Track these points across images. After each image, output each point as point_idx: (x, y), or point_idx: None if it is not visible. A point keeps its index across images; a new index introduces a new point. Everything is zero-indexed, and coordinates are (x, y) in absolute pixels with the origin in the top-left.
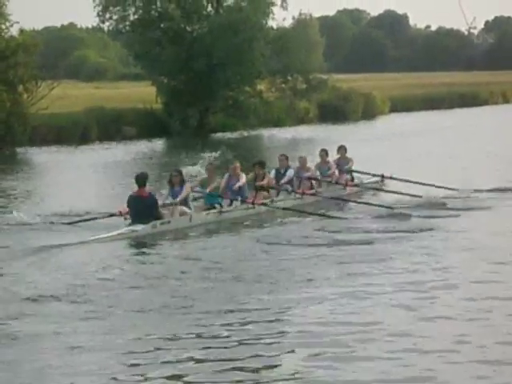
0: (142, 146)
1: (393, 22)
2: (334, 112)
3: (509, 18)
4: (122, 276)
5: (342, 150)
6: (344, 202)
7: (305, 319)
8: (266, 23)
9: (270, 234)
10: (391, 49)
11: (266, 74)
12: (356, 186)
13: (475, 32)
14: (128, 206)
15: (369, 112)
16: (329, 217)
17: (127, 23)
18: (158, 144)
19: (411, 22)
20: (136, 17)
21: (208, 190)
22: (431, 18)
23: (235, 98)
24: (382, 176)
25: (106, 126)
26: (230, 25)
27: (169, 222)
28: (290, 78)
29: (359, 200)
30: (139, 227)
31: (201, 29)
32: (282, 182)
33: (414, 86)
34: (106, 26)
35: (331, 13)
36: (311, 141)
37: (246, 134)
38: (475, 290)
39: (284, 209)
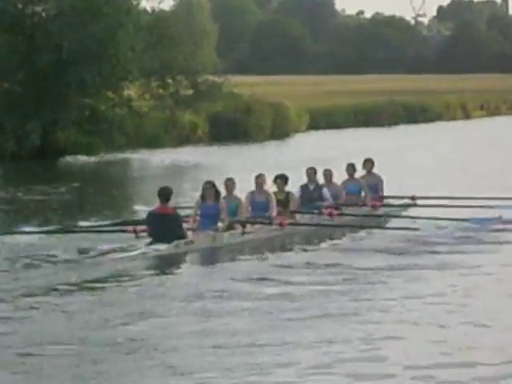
0: None
1: (312, 6)
2: (232, 128)
3: (470, 2)
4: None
5: (368, 164)
6: (374, 225)
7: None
8: (137, 4)
9: (299, 256)
10: (310, 42)
11: (137, 75)
12: (390, 206)
13: (425, 21)
14: (148, 224)
15: (280, 129)
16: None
17: None
18: None
19: (338, 7)
20: None
21: (241, 219)
22: (364, 2)
23: (93, 108)
24: (413, 197)
25: None
26: (85, 6)
27: (192, 241)
28: (170, 80)
29: (398, 222)
30: (163, 246)
31: (46, 11)
32: (325, 203)
33: (341, 93)
34: None
35: None
36: (199, 168)
37: (108, 157)
38: None
39: (318, 225)
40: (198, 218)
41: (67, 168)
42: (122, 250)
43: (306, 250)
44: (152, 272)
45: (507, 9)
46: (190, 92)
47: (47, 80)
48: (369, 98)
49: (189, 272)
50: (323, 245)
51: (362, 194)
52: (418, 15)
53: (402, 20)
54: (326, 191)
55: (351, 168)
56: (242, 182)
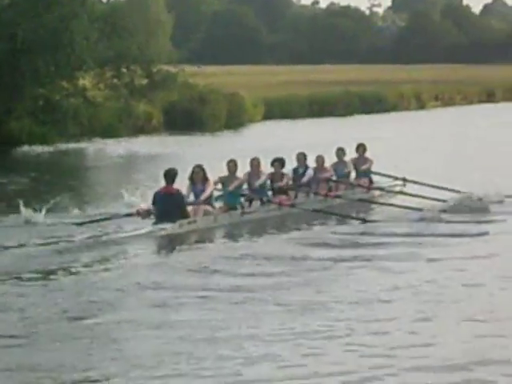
0: None
1: None
2: (187, 118)
3: None
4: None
5: (361, 148)
6: (368, 205)
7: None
8: None
9: (300, 237)
10: (266, 32)
11: (92, 65)
12: (379, 188)
13: (380, 11)
14: (154, 203)
15: (235, 119)
16: (362, 220)
17: None
18: None
19: None
20: None
21: (230, 189)
22: None
23: (48, 98)
24: (404, 179)
25: None
26: None
27: (195, 221)
28: (124, 70)
29: (390, 200)
30: (167, 225)
31: None
32: (303, 181)
33: (297, 83)
34: None
35: None
36: (154, 158)
37: (63, 147)
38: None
39: (313, 210)
40: (190, 198)
41: (22, 158)
42: (130, 230)
43: (299, 232)
44: (157, 250)
45: None
46: (145, 82)
47: (1, 69)
48: (324, 89)
49: (189, 253)
50: (316, 228)
51: (352, 175)
52: (373, 5)
53: (356, 10)
54: (309, 172)
55: (341, 152)
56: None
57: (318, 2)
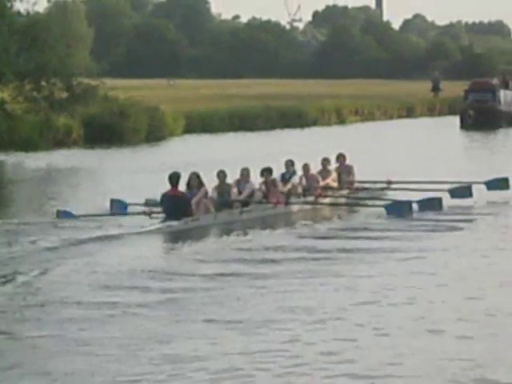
0: None
1: (188, 10)
2: (107, 132)
3: (345, 7)
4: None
5: (341, 158)
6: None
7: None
8: (11, 7)
9: (296, 232)
10: (186, 46)
11: (12, 78)
12: (365, 189)
13: (300, 26)
14: (161, 204)
15: (155, 133)
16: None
17: None
18: None
19: (213, 11)
20: None
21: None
22: (241, 6)
23: None
24: (389, 182)
25: None
26: None
27: (198, 219)
28: (44, 83)
29: (374, 202)
30: (174, 223)
31: None
32: (289, 186)
33: (217, 97)
34: None
35: None
36: (73, 172)
37: None
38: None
39: (313, 203)
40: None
41: None
42: (140, 226)
43: (294, 228)
44: (165, 244)
45: (381, 15)
46: (65, 95)
47: None
48: (245, 103)
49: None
50: (306, 226)
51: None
52: (294, 20)
53: (277, 25)
54: (295, 178)
55: (325, 161)
56: (119, 184)
57: (239, 17)
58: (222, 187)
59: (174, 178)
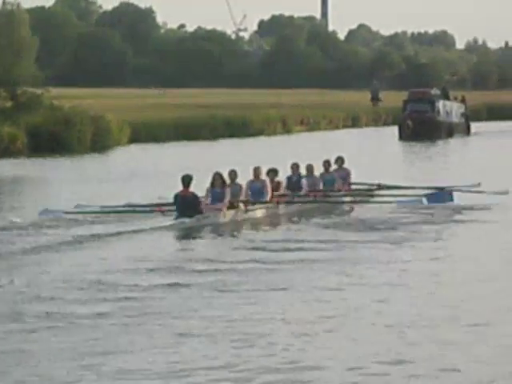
0: None
1: (134, 19)
2: (52, 141)
3: (290, 17)
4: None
5: (339, 161)
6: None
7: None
8: None
9: (301, 228)
10: (132, 56)
11: None
12: (359, 190)
13: (246, 35)
14: (174, 203)
15: (101, 142)
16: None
17: None
18: None
19: (159, 20)
20: None
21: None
22: (186, 16)
23: None
24: (379, 185)
25: None
26: None
27: (208, 216)
28: None
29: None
30: (186, 220)
31: None
32: (301, 193)
33: (163, 106)
34: None
35: (48, 3)
36: (17, 181)
37: None
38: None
39: (309, 202)
40: (209, 200)
41: None
42: (156, 222)
43: (293, 226)
44: (178, 239)
45: (327, 25)
46: (9, 104)
47: None
48: (190, 112)
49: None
50: (305, 222)
51: (336, 184)
52: (239, 29)
53: (223, 34)
54: (304, 181)
55: (327, 164)
56: (61, 193)
57: (184, 26)
58: (233, 187)
59: (186, 180)
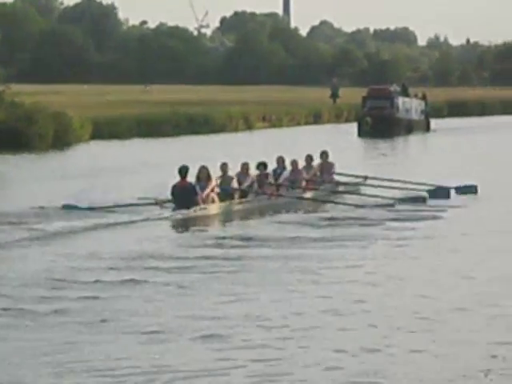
0: None
1: (96, 15)
2: (13, 137)
3: (252, 14)
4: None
5: (324, 155)
6: (339, 196)
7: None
8: None
9: (289, 221)
10: (94, 52)
11: None
12: (344, 184)
13: (208, 32)
14: (172, 194)
15: (62, 139)
16: (343, 204)
17: None
18: None
19: (121, 16)
20: None
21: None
22: (148, 12)
23: None
24: (366, 177)
25: None
26: None
27: (205, 208)
28: None
29: (357, 193)
30: (184, 211)
31: None
32: (280, 181)
33: (125, 103)
34: None
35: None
36: None
37: None
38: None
39: (298, 198)
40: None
41: None
42: (154, 214)
43: (284, 216)
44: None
45: (289, 21)
46: None
47: None
48: (153, 109)
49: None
50: (291, 216)
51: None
52: (201, 26)
53: (185, 31)
54: (284, 174)
55: (309, 158)
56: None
57: (146, 22)
58: (225, 178)
59: (183, 170)
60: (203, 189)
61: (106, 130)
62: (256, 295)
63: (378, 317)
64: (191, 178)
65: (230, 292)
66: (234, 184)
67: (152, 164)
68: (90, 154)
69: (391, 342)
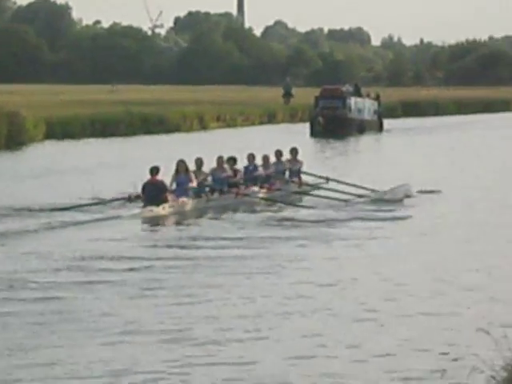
0: None
1: (49, 15)
2: None
3: (207, 14)
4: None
5: (293, 152)
6: (302, 196)
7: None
8: None
9: (249, 219)
10: (47, 52)
11: None
12: (308, 185)
13: (162, 32)
14: (142, 191)
15: (15, 138)
16: (300, 206)
17: None
18: None
19: (75, 16)
20: None
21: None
22: (101, 11)
23: None
24: (327, 178)
25: None
26: None
27: (173, 205)
28: None
29: (319, 193)
30: (153, 208)
31: None
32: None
33: (78, 103)
34: None
35: None
36: None
37: None
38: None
39: (262, 199)
40: (173, 186)
41: None
42: (123, 211)
43: (250, 215)
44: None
45: (243, 22)
46: None
47: None
48: (106, 109)
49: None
50: (262, 213)
51: (286, 173)
52: (155, 26)
53: (139, 31)
54: (259, 170)
55: (278, 153)
56: None
57: (99, 22)
58: (198, 174)
59: (154, 170)
60: (183, 182)
61: (60, 129)
62: (213, 295)
63: (332, 315)
64: (170, 171)
65: (185, 293)
66: (208, 181)
67: (106, 164)
68: (43, 154)
69: (342, 341)
